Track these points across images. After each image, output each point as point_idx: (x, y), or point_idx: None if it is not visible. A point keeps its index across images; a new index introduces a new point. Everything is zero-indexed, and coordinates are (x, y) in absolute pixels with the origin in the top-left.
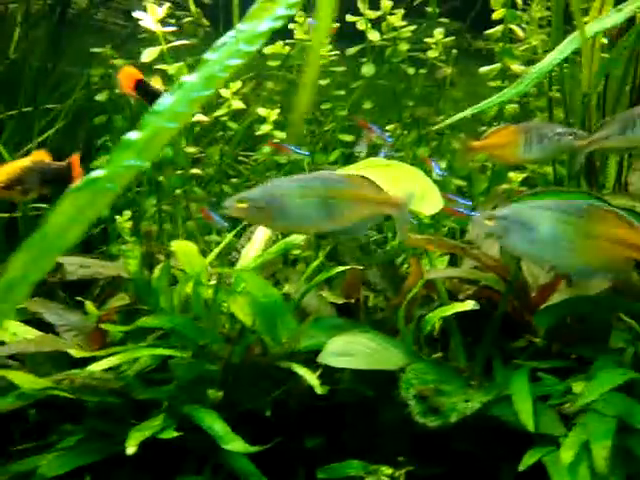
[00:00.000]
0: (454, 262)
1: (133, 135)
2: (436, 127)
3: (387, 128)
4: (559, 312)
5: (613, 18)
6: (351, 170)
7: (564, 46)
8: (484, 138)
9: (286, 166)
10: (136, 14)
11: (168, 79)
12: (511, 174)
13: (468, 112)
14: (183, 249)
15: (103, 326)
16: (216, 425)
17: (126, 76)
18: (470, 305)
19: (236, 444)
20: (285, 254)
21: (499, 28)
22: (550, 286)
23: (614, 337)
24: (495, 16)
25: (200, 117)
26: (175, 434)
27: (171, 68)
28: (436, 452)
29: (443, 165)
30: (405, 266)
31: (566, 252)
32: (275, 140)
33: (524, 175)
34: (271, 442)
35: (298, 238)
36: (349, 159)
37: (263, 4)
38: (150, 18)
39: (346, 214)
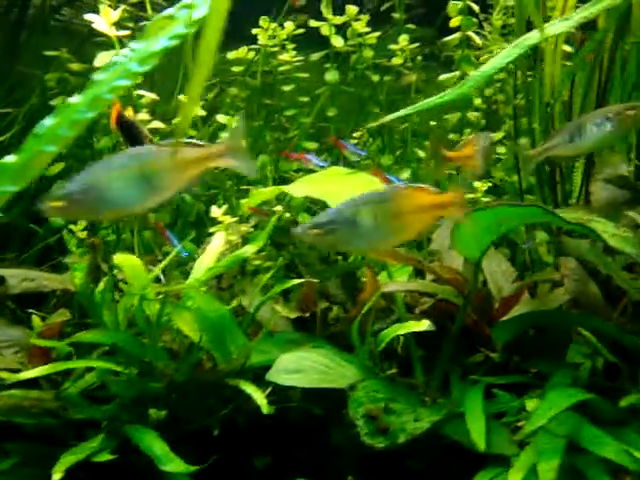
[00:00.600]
0: (421, 273)
1: (9, 159)
2: (372, 125)
3: (354, 135)
4: (517, 326)
5: (560, 26)
6: (313, 179)
7: (509, 50)
8: (458, 148)
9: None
10: (88, 16)
11: None
12: (477, 183)
13: (402, 113)
14: (127, 262)
15: (34, 341)
16: (155, 445)
17: (114, 112)
18: (425, 325)
19: (174, 464)
20: (243, 265)
21: (456, 36)
22: (513, 298)
23: (572, 351)
24: (452, 24)
25: (157, 124)
26: (109, 457)
27: None
28: (390, 470)
29: (407, 174)
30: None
31: (386, 235)
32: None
33: (489, 184)
34: (216, 461)
35: (249, 250)
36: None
37: (159, 22)
38: (103, 20)
39: (171, 182)
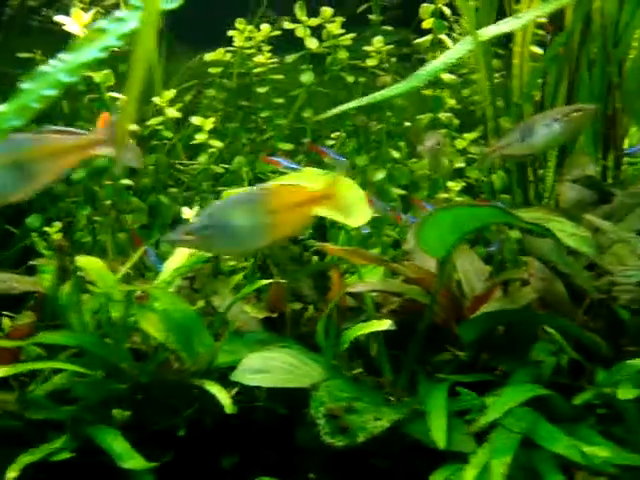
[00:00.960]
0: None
1: None
2: (320, 117)
3: (331, 136)
4: (483, 325)
5: (510, 24)
6: (288, 180)
7: (460, 45)
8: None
9: (225, 175)
10: (59, 18)
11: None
12: (450, 183)
13: (343, 108)
14: (90, 264)
15: None
16: (116, 444)
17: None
18: (386, 324)
19: (135, 462)
20: (218, 266)
21: (428, 38)
22: (483, 297)
23: (538, 349)
24: (424, 25)
25: (132, 127)
26: (68, 455)
27: (97, 76)
28: (354, 469)
29: (382, 175)
30: (346, 276)
31: (263, 234)
32: (212, 149)
33: (463, 184)
34: (184, 461)
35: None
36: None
37: (90, 34)
38: (74, 22)
39: (47, 170)
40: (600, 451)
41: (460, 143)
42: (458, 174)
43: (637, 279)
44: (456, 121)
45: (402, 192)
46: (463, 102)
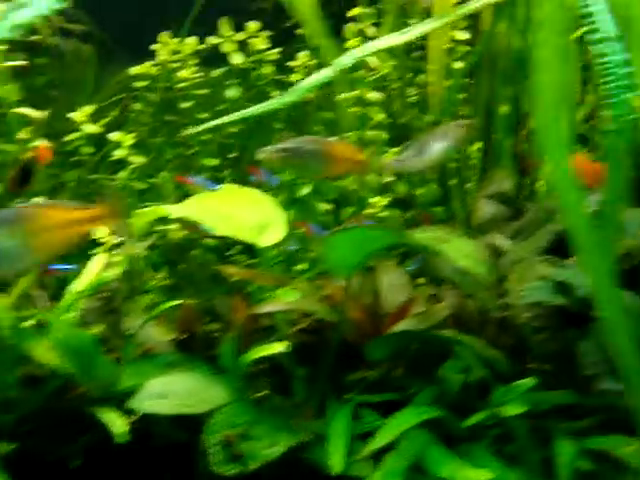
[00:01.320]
0: None
1: None
2: (189, 133)
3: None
4: (391, 344)
5: (394, 38)
6: (202, 198)
7: (338, 60)
8: None
9: (147, 192)
10: None
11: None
12: (375, 199)
13: (221, 121)
14: None
15: None
16: None
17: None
18: (281, 347)
19: None
20: (132, 286)
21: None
22: (399, 314)
23: (446, 367)
24: (348, 45)
25: (44, 143)
26: None
27: (2, 90)
28: None
29: (308, 189)
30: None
31: (20, 258)
32: (133, 165)
33: (388, 199)
34: None
35: (109, 274)
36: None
37: None
38: None
39: None
40: (484, 473)
41: (388, 157)
42: (388, 189)
43: (530, 300)
44: (385, 136)
45: (329, 207)
46: (394, 116)
